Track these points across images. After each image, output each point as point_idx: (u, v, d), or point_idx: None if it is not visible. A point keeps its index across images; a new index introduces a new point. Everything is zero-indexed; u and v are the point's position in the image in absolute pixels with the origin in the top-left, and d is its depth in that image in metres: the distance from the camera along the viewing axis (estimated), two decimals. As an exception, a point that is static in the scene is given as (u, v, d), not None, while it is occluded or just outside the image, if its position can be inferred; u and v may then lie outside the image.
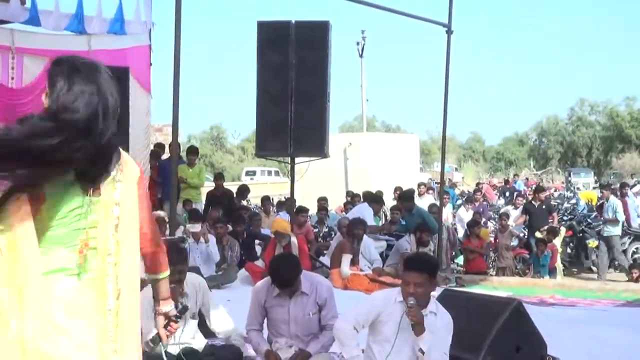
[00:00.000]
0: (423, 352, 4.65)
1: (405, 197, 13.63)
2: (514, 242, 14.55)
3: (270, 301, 5.59)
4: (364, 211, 13.22)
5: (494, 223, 17.22)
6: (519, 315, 5.86)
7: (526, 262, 14.24)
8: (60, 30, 11.97)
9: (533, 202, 16.24)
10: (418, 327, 4.62)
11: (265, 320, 5.72)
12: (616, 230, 14.97)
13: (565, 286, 11.27)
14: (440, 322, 4.83)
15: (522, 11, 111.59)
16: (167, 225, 10.26)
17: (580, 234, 16.25)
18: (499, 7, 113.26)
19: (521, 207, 16.52)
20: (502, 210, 17.67)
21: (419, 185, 18.18)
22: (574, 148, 64.77)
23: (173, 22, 7.40)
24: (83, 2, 11.95)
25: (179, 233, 10.00)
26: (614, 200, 15.40)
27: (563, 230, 15.55)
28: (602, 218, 15.55)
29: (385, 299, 4.92)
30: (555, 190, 28.81)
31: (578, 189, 29.39)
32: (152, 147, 14.44)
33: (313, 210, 15.76)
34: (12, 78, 11.43)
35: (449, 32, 11.18)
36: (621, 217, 15.03)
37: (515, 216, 16.23)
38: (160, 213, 11.53)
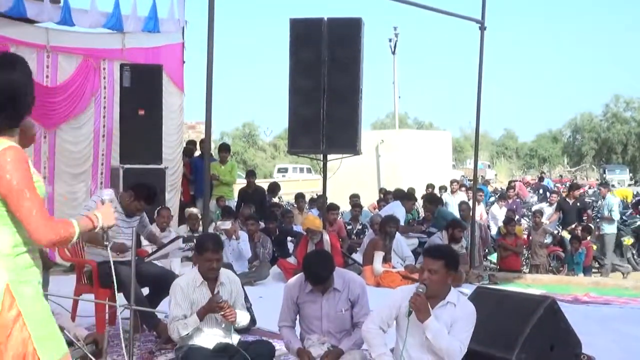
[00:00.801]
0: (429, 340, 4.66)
1: (430, 199, 13.65)
2: (548, 240, 14.42)
3: (302, 297, 5.61)
4: (396, 209, 13.20)
5: (527, 220, 17.11)
6: (553, 313, 5.81)
7: (560, 259, 14.13)
8: (97, 27, 12.11)
9: (567, 199, 16.14)
10: (418, 314, 4.63)
11: (298, 316, 5.75)
12: (611, 229, 14.87)
13: (600, 284, 11.16)
14: (460, 312, 4.80)
15: (555, 7, 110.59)
16: (200, 222, 10.35)
17: (616, 232, 16.05)
18: (533, 3, 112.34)
19: (555, 204, 16.41)
20: (535, 208, 17.54)
21: (451, 183, 18.09)
22: (608, 145, 63.95)
23: (206, 20, 7.43)
24: (120, 1, 12.09)
25: (210, 230, 10.07)
26: (611, 199, 15.41)
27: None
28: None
29: (404, 293, 4.93)
30: (589, 188, 28.55)
31: (613, 186, 29.03)
32: (185, 144, 14.54)
33: (344, 207, 15.77)
34: (47, 76, 11.57)
35: (482, 28, 11.12)
36: (616, 215, 14.98)
37: (549, 213, 16.13)
38: (194, 210, 11.63)
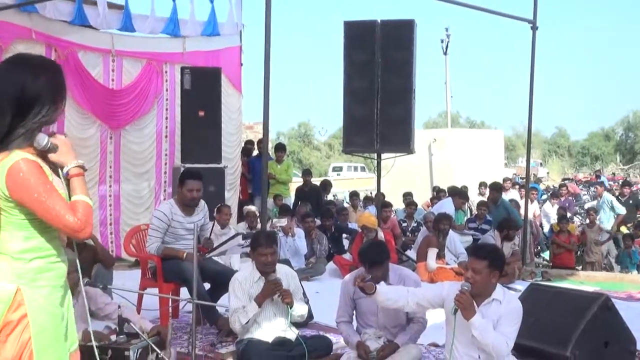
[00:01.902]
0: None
1: (494, 187, 13.61)
2: (603, 237, 14.18)
3: (359, 293, 5.60)
4: (446, 205, 13.16)
5: (580, 218, 16.85)
6: (608, 310, 5.73)
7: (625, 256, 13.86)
8: (156, 33, 12.28)
9: (620, 196, 15.86)
10: (464, 312, 4.62)
11: (355, 312, 5.76)
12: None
13: (654, 281, 10.92)
14: (505, 309, 4.77)
15: (606, 6, 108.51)
16: (258, 219, 10.41)
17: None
18: (584, 1, 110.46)
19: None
20: (588, 205, 17.27)
21: (504, 181, 17.87)
22: (661, 142, 62.71)
23: (263, 23, 7.47)
24: (177, 7, 12.24)
25: (268, 227, 10.13)
26: (608, 197, 15.40)
27: None
28: None
29: (451, 288, 4.92)
30: (644, 185, 27.94)
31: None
32: (243, 144, 14.65)
33: (397, 205, 15.73)
34: (113, 80, 11.77)
35: (534, 28, 10.97)
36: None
37: (603, 211, 15.86)
38: (252, 207, 11.71)
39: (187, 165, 10.42)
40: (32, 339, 2.75)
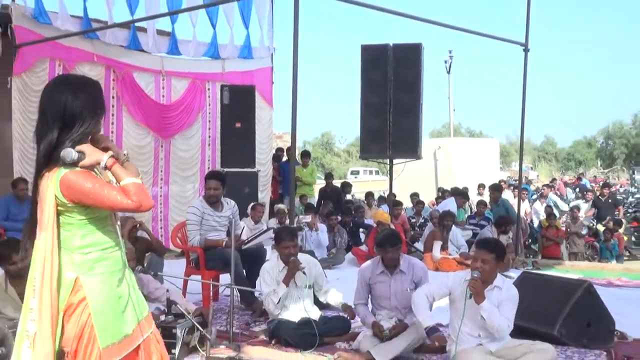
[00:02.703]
0: (484, 319, 4.64)
1: (495, 187, 13.55)
2: (584, 231, 14.07)
3: (374, 279, 5.63)
4: (449, 204, 13.14)
5: (566, 215, 16.70)
6: (590, 295, 5.71)
7: (595, 248, 13.75)
8: (199, 56, 12.34)
9: (601, 196, 15.71)
10: (476, 297, 4.62)
11: (370, 296, 5.74)
12: None
13: (630, 270, 10.79)
14: (505, 295, 4.79)
15: (590, 30, 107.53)
16: (287, 216, 10.41)
17: (644, 224, 15.61)
18: (571, 25, 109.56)
19: (591, 201, 16.00)
20: (573, 204, 17.12)
21: (499, 182, 17.75)
22: (637, 149, 61.84)
23: (291, 47, 7.47)
24: (217, 33, 12.30)
25: (295, 223, 10.12)
26: (552, 197, 16.00)
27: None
28: None
29: (456, 278, 4.95)
30: (620, 186, 27.63)
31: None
32: (274, 151, 14.66)
33: (407, 203, 15.66)
34: (163, 96, 11.85)
35: (526, 50, 10.87)
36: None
37: (585, 209, 15.72)
38: (281, 206, 11.71)
39: (226, 170, 10.44)
40: (92, 317, 2.75)
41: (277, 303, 5.66)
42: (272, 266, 5.93)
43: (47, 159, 2.73)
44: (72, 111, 2.74)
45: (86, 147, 2.78)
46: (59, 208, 2.74)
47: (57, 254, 2.75)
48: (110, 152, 2.81)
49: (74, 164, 2.72)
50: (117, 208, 2.76)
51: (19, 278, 5.17)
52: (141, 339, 2.91)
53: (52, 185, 2.71)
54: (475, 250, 5.02)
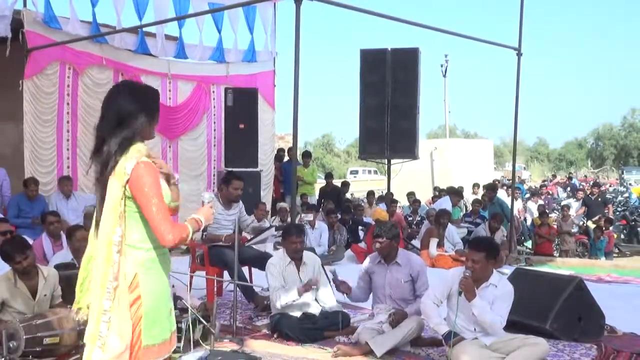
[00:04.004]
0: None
1: (490, 187, 13.57)
2: (575, 229, 14.05)
3: (372, 268, 5.72)
4: (444, 203, 13.15)
5: (557, 213, 16.68)
6: (581, 290, 5.70)
7: (585, 246, 13.73)
8: (205, 60, 12.34)
9: (591, 195, 15.70)
10: (467, 295, 4.63)
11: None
12: None
13: (620, 266, 10.78)
14: (500, 292, 4.78)
15: (580, 34, 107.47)
16: (288, 214, 10.40)
17: (633, 223, 15.57)
18: (562, 30, 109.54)
19: (581, 199, 15.98)
20: (563, 203, 17.10)
21: (493, 182, 17.73)
22: (626, 150, 61.95)
23: (293, 52, 7.46)
24: (222, 38, 12.29)
25: (296, 220, 10.10)
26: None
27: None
28: None
29: (454, 275, 4.93)
30: (610, 186, 27.54)
31: (630, 184, 27.92)
32: (276, 151, 14.65)
33: (404, 202, 15.64)
34: (170, 98, 11.85)
35: (519, 54, 10.86)
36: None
37: (576, 207, 15.71)
38: (283, 204, 11.71)
39: (229, 169, 10.42)
40: (142, 317, 2.80)
41: (284, 304, 5.63)
42: (278, 260, 5.93)
43: (99, 150, 2.86)
44: (128, 111, 2.85)
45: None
46: (125, 199, 2.80)
47: (122, 250, 2.80)
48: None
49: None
50: (153, 224, 2.79)
51: (26, 275, 5.17)
52: (170, 352, 2.97)
53: (119, 176, 2.79)
54: (461, 251, 5.02)
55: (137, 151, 2.82)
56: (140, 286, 2.81)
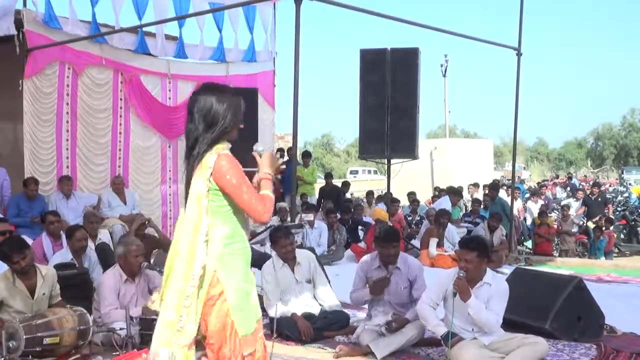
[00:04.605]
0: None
1: (493, 186, 13.59)
2: (575, 229, 14.05)
3: (371, 272, 5.63)
4: (444, 202, 13.16)
5: (557, 213, 16.68)
6: (580, 290, 5.70)
7: (585, 246, 13.74)
8: (205, 59, 12.33)
9: (591, 195, 15.70)
10: (462, 295, 4.63)
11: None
12: None
13: (619, 266, 10.78)
14: (494, 290, 4.78)
15: (580, 35, 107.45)
16: (288, 214, 10.40)
17: (632, 222, 15.56)
18: (562, 30, 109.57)
19: (581, 199, 15.98)
20: (563, 202, 17.10)
21: (492, 182, 17.73)
22: (626, 150, 61.91)
23: (293, 52, 7.46)
24: (223, 38, 12.28)
25: (296, 220, 10.10)
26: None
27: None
28: None
29: (449, 277, 4.92)
30: (610, 186, 27.53)
31: (630, 184, 27.93)
32: (275, 151, 14.63)
33: (403, 202, 15.65)
34: (170, 98, 11.84)
35: (519, 54, 10.87)
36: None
37: (576, 207, 15.71)
38: (283, 204, 11.69)
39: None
40: (229, 310, 2.92)
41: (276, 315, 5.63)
42: (272, 265, 5.90)
43: (192, 148, 3.02)
44: (216, 112, 3.03)
45: (267, 155, 3.28)
46: (209, 194, 2.94)
47: (204, 245, 2.92)
48: (270, 170, 3.22)
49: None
50: (249, 208, 2.94)
51: (24, 274, 5.17)
52: (257, 341, 3.06)
53: (203, 170, 2.94)
54: (459, 251, 5.00)
55: (220, 147, 3.00)
56: (222, 282, 2.92)
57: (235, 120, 3.11)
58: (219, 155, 2.95)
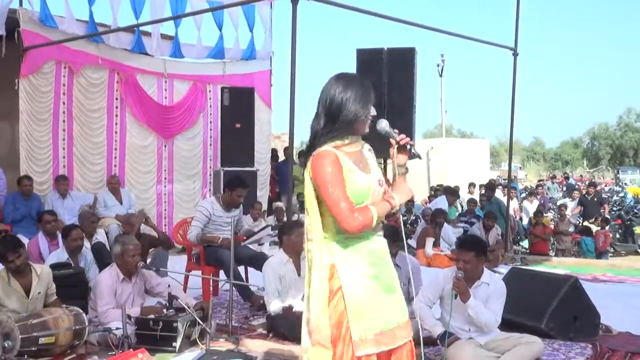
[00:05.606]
0: (471, 315, 4.66)
1: (489, 186, 13.60)
2: (571, 229, 14.08)
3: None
4: (440, 202, 13.16)
5: (553, 213, 16.72)
6: (576, 290, 5.71)
7: (581, 245, 13.77)
8: (201, 58, 12.31)
9: (587, 195, 15.73)
10: (462, 296, 4.61)
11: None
12: None
13: (615, 266, 10.80)
14: (492, 290, 4.78)
15: (576, 35, 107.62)
16: (285, 214, 10.40)
17: (628, 222, 15.60)
18: (558, 30, 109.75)
19: (577, 199, 16.02)
20: (560, 202, 17.13)
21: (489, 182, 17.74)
22: (622, 150, 61.95)
23: (289, 51, 7.44)
24: (223, 37, 12.23)
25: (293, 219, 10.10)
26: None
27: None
28: None
29: (445, 276, 4.92)
30: (605, 186, 27.61)
31: (625, 184, 27.99)
32: (272, 151, 14.62)
33: (400, 200, 15.59)
34: (165, 97, 11.82)
35: (515, 54, 10.87)
36: None
37: (572, 207, 15.74)
38: (279, 204, 11.71)
39: (226, 169, 10.41)
40: (346, 309, 2.70)
41: (275, 310, 5.65)
42: (277, 261, 5.90)
43: (311, 147, 2.80)
44: (338, 103, 2.77)
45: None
46: (315, 193, 2.75)
47: (321, 242, 2.75)
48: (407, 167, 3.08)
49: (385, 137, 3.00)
50: (334, 211, 2.70)
51: (19, 273, 5.17)
52: (395, 345, 2.80)
53: (307, 169, 2.76)
54: (456, 252, 5.01)
55: (339, 144, 2.80)
56: (339, 276, 2.72)
57: (362, 112, 2.86)
58: (314, 155, 2.74)
